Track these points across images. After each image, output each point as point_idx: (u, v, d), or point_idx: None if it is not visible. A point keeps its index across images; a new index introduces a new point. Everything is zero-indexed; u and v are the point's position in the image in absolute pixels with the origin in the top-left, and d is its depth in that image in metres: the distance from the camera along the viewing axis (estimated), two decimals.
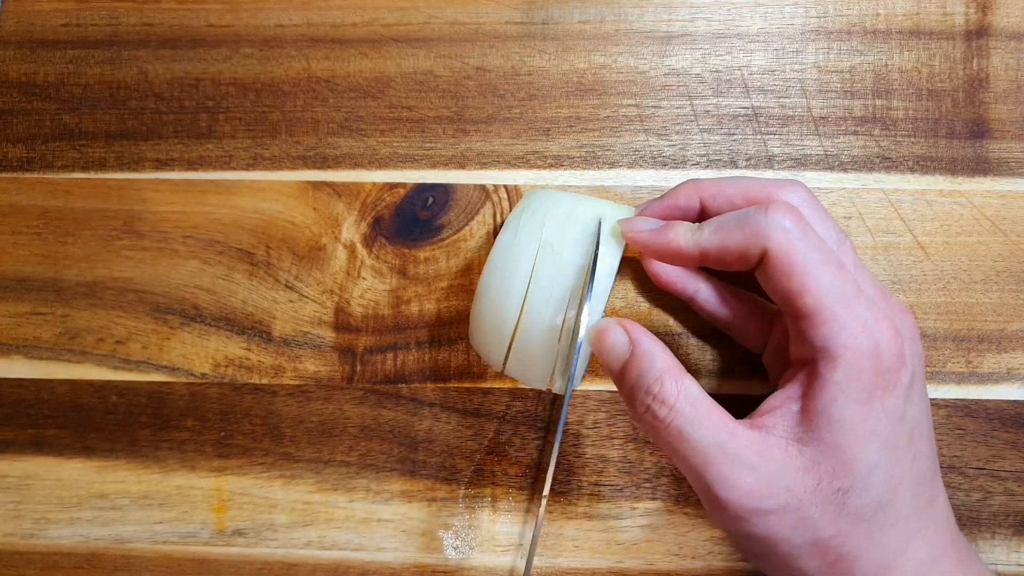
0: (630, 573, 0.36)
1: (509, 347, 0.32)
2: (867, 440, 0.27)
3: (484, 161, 0.40)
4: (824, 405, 0.27)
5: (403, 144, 0.41)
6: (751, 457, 0.27)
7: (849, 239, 0.31)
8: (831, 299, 0.27)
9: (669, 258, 0.31)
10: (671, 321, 0.39)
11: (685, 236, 0.30)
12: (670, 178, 0.40)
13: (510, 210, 0.40)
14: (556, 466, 0.37)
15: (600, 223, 0.32)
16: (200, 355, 0.39)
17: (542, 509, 0.32)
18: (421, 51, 0.42)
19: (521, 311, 0.31)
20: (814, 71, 0.41)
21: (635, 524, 0.37)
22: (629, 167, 0.40)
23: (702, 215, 0.33)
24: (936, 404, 0.38)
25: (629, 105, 0.41)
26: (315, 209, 0.40)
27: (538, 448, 0.38)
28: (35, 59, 0.42)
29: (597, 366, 0.38)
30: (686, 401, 0.28)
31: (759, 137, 0.40)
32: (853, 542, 0.27)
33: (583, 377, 0.38)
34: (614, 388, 0.37)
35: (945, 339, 0.38)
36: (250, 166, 0.41)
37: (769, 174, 0.40)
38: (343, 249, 0.40)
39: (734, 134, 0.40)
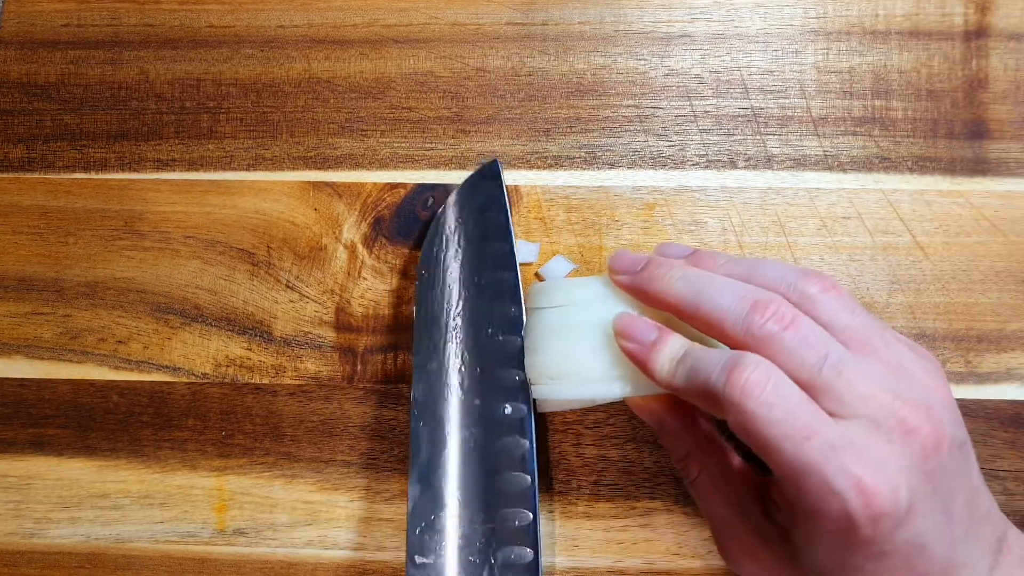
0: (629, 572, 0.36)
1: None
2: None
3: (484, 161, 0.40)
4: (808, 560, 0.27)
5: (403, 144, 0.41)
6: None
7: (879, 324, 0.29)
8: (795, 469, 0.25)
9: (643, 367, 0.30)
10: None
11: (663, 366, 0.29)
12: (669, 178, 0.40)
13: (510, 210, 0.40)
14: (556, 466, 0.37)
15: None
16: (201, 355, 0.39)
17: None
18: (421, 52, 0.42)
19: None
20: (813, 72, 0.41)
21: (634, 523, 0.37)
22: (629, 167, 0.40)
23: None
24: None
25: (629, 106, 0.41)
26: (316, 209, 0.40)
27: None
28: (36, 59, 0.42)
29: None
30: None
31: (758, 137, 0.40)
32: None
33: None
34: None
35: (944, 339, 0.38)
36: (251, 166, 0.41)
37: (768, 175, 0.40)
38: (344, 249, 0.40)
39: (733, 134, 0.40)
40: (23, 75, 0.42)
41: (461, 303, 0.36)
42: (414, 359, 0.35)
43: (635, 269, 0.31)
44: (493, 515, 0.33)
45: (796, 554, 0.28)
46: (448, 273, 0.36)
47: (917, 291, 0.38)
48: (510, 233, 0.37)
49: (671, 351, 0.29)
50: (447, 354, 0.35)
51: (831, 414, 0.26)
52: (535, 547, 0.33)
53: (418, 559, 0.33)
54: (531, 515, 0.33)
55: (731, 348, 0.28)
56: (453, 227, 0.37)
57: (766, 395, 0.26)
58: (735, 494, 0.30)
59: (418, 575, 0.33)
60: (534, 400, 0.34)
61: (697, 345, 0.29)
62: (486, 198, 0.38)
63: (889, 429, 0.26)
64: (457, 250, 0.37)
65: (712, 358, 0.28)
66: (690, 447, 0.31)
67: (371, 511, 0.37)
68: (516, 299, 0.35)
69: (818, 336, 0.27)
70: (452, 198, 0.38)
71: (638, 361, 0.30)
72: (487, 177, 0.38)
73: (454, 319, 0.35)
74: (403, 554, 0.37)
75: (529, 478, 0.34)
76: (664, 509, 0.37)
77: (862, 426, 0.26)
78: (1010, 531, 0.29)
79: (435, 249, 0.37)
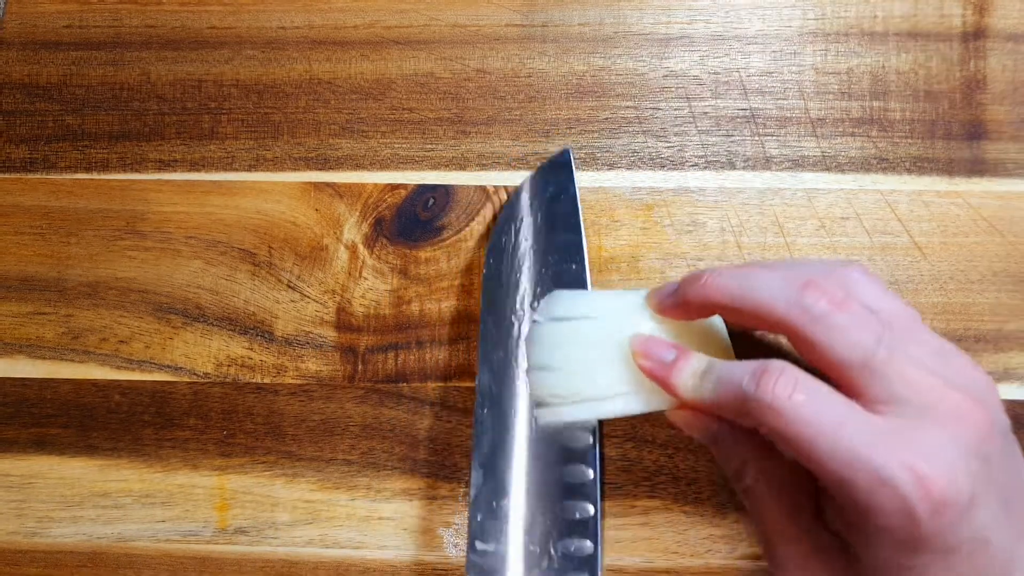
0: (628, 571, 0.37)
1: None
2: None
3: (484, 162, 0.40)
4: (871, 565, 0.26)
5: (404, 145, 0.41)
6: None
7: (915, 311, 0.28)
8: (840, 464, 0.24)
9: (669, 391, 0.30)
10: None
11: (686, 382, 0.29)
12: (668, 179, 0.40)
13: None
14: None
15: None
16: (203, 355, 0.39)
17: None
18: (422, 53, 0.42)
19: None
20: (812, 73, 0.41)
21: (633, 522, 0.37)
22: (628, 168, 0.40)
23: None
24: None
25: (628, 107, 0.41)
26: (317, 210, 0.40)
27: None
28: (38, 60, 0.43)
29: None
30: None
31: (757, 138, 0.40)
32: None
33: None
34: None
35: None
36: (252, 167, 0.41)
37: (767, 175, 0.40)
38: (345, 249, 0.40)
39: (732, 135, 0.40)
40: (25, 76, 0.43)
41: (529, 294, 0.36)
42: (480, 347, 0.36)
43: (673, 289, 0.31)
44: (555, 506, 0.34)
45: (853, 565, 0.27)
46: (515, 263, 0.36)
47: (915, 291, 0.39)
48: (579, 224, 0.37)
49: (693, 367, 0.29)
50: (513, 344, 0.35)
51: (878, 400, 0.25)
52: (595, 541, 0.33)
53: (479, 545, 0.33)
54: (593, 508, 0.33)
55: (783, 333, 0.28)
56: (522, 217, 0.37)
57: (796, 393, 0.25)
58: (791, 502, 0.29)
59: (478, 561, 0.33)
60: (535, 417, 0.34)
61: (718, 359, 0.29)
62: (556, 188, 0.38)
63: (940, 414, 0.25)
64: (525, 240, 0.37)
65: (738, 368, 0.27)
66: (746, 455, 0.30)
67: (372, 510, 0.37)
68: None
69: (870, 318, 0.26)
70: (522, 187, 0.38)
71: (659, 379, 0.30)
72: (558, 166, 0.38)
73: (521, 309, 0.36)
74: (404, 552, 0.37)
75: (592, 471, 0.34)
76: (663, 508, 0.37)
77: (912, 411, 0.25)
78: None
79: (503, 239, 0.37)
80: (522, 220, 0.37)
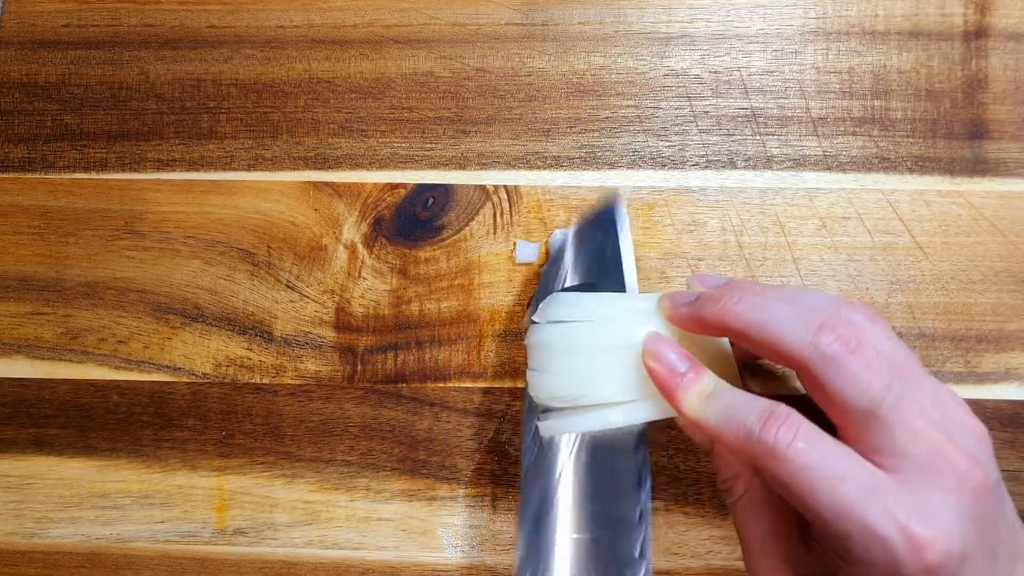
0: None
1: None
2: None
3: (484, 162, 0.40)
4: None
5: (403, 145, 0.41)
6: None
7: (914, 354, 0.28)
8: (835, 517, 0.25)
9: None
10: None
11: (692, 399, 0.29)
12: (669, 178, 0.40)
13: (510, 210, 0.40)
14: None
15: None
16: (201, 355, 0.39)
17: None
18: (421, 52, 0.42)
19: None
20: (813, 72, 0.41)
21: None
22: (628, 168, 0.40)
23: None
24: None
25: (628, 106, 0.41)
26: (316, 209, 0.40)
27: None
28: (36, 60, 0.43)
29: None
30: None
31: (758, 138, 0.40)
32: None
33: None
34: None
35: (943, 339, 0.38)
36: (251, 167, 0.41)
37: (768, 175, 0.40)
38: (344, 249, 0.40)
39: (733, 135, 0.40)
40: (23, 75, 0.42)
41: None
42: (526, 402, 0.35)
43: (690, 300, 0.30)
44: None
45: None
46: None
47: (916, 291, 0.38)
48: (623, 275, 0.36)
49: (702, 386, 0.29)
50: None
51: (881, 450, 0.25)
52: None
53: None
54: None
55: (793, 369, 0.28)
56: (570, 267, 0.37)
57: (797, 440, 0.25)
58: (777, 520, 0.29)
59: None
60: (537, 425, 0.33)
61: (728, 385, 0.29)
62: (604, 235, 0.37)
63: (941, 472, 0.25)
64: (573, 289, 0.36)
65: (749, 402, 0.27)
66: (740, 467, 0.30)
67: (371, 511, 0.37)
68: None
69: (881, 364, 0.26)
70: (572, 232, 0.38)
71: (665, 387, 0.29)
72: (606, 213, 0.37)
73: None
74: (404, 553, 0.37)
75: (641, 538, 0.33)
76: (663, 509, 0.37)
77: (912, 466, 0.25)
78: None
79: (550, 285, 0.36)
80: (570, 270, 0.36)
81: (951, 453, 0.25)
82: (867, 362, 0.26)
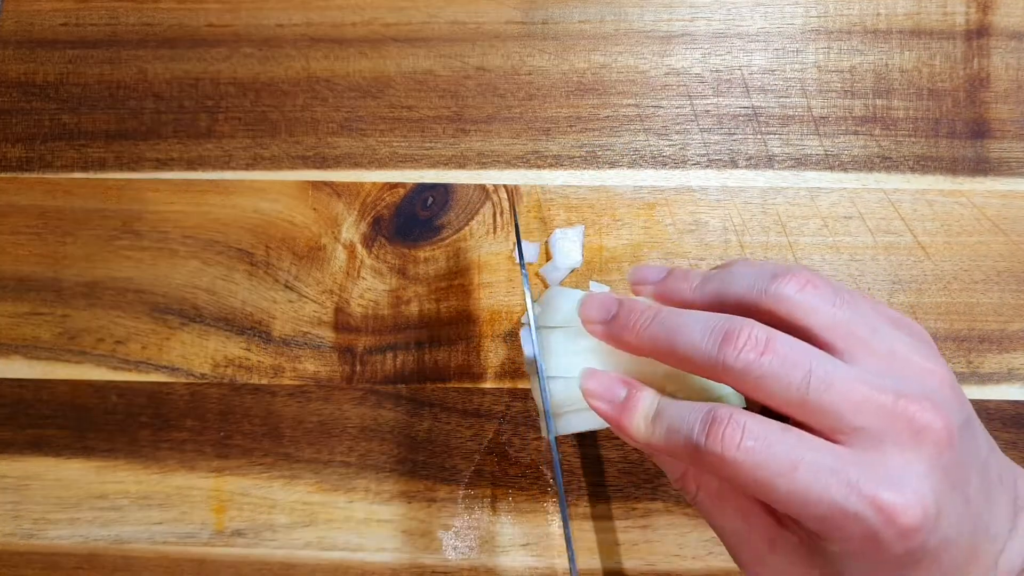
0: (629, 573, 0.36)
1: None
2: None
3: (484, 161, 0.40)
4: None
5: (403, 144, 0.41)
6: None
7: (864, 306, 0.27)
8: (800, 504, 0.24)
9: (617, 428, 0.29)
10: None
11: (639, 425, 0.28)
12: (670, 178, 0.40)
13: (510, 210, 0.40)
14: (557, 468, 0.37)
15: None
16: (200, 355, 0.39)
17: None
18: (421, 51, 0.42)
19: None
20: (814, 71, 0.41)
21: (635, 525, 0.37)
22: (629, 167, 0.40)
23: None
24: None
25: (629, 105, 0.41)
26: (315, 209, 0.40)
27: (537, 449, 0.38)
28: (34, 59, 0.42)
29: None
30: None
31: (759, 137, 0.40)
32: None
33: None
34: None
35: (946, 339, 0.38)
36: (250, 166, 0.41)
37: (769, 174, 0.39)
38: (343, 249, 0.40)
39: (734, 134, 0.40)
40: (21, 74, 0.42)
41: None
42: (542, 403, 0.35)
43: (607, 317, 0.30)
44: None
45: (814, 557, 0.27)
46: None
47: (919, 291, 0.38)
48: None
49: (644, 409, 0.28)
50: None
51: (831, 432, 0.25)
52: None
53: None
54: None
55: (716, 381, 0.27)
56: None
57: (743, 440, 0.25)
58: (742, 506, 0.29)
59: None
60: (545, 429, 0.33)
61: (667, 399, 0.28)
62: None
63: (897, 434, 0.25)
64: None
65: (687, 415, 0.27)
66: (683, 466, 0.30)
67: (370, 512, 0.37)
68: None
69: (798, 352, 0.26)
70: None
71: (612, 422, 0.29)
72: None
73: None
74: (403, 555, 0.37)
75: None
76: (664, 510, 0.37)
77: (868, 437, 0.25)
78: (1020, 480, 0.28)
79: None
80: None
81: (904, 410, 0.25)
82: (781, 357, 0.25)
